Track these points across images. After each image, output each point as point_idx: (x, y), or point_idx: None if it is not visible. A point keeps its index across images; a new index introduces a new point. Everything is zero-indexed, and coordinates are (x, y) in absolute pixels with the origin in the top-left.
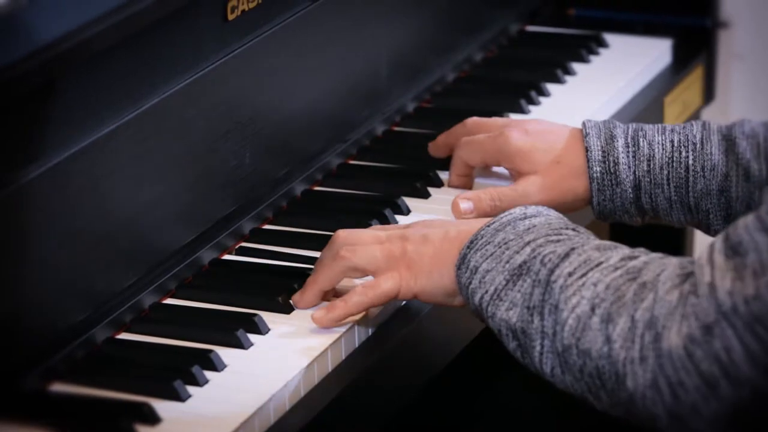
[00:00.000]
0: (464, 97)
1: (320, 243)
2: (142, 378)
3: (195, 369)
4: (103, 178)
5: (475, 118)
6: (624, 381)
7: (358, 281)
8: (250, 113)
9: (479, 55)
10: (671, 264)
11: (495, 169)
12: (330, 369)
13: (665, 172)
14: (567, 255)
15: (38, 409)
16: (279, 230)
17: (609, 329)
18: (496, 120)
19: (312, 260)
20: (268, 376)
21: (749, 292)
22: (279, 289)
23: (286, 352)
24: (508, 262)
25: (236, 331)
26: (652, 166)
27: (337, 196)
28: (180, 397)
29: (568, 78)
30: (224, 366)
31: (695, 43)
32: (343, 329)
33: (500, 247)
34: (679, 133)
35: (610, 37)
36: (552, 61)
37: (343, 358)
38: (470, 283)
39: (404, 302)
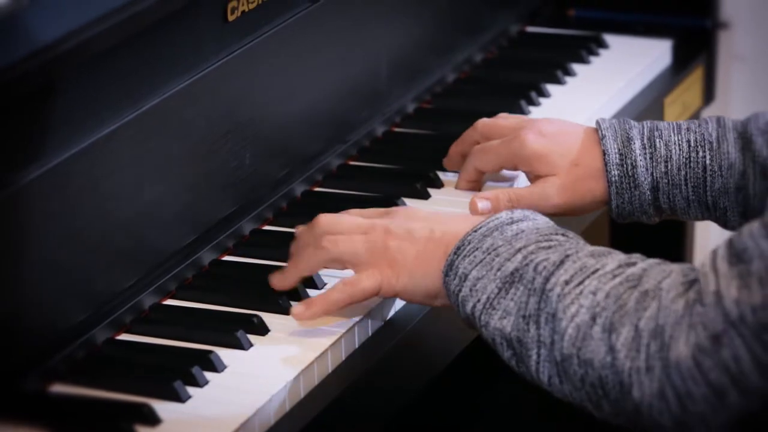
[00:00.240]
0: (464, 98)
1: None
2: (142, 378)
3: (195, 370)
4: (103, 179)
5: (485, 120)
6: (629, 391)
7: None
8: (250, 114)
9: (479, 55)
10: (673, 271)
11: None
12: (330, 370)
13: (683, 172)
14: (561, 262)
15: (38, 410)
16: (279, 231)
17: (612, 339)
18: (507, 121)
19: None
20: (268, 376)
21: (756, 301)
22: (279, 290)
23: (286, 353)
24: (499, 269)
25: (236, 331)
26: (669, 167)
27: (338, 197)
28: (180, 397)
29: (568, 79)
30: (224, 367)
31: (695, 44)
32: (343, 329)
33: (489, 253)
34: (695, 132)
35: (610, 38)
36: (552, 62)
37: (343, 358)
38: (460, 290)
39: (404, 303)
